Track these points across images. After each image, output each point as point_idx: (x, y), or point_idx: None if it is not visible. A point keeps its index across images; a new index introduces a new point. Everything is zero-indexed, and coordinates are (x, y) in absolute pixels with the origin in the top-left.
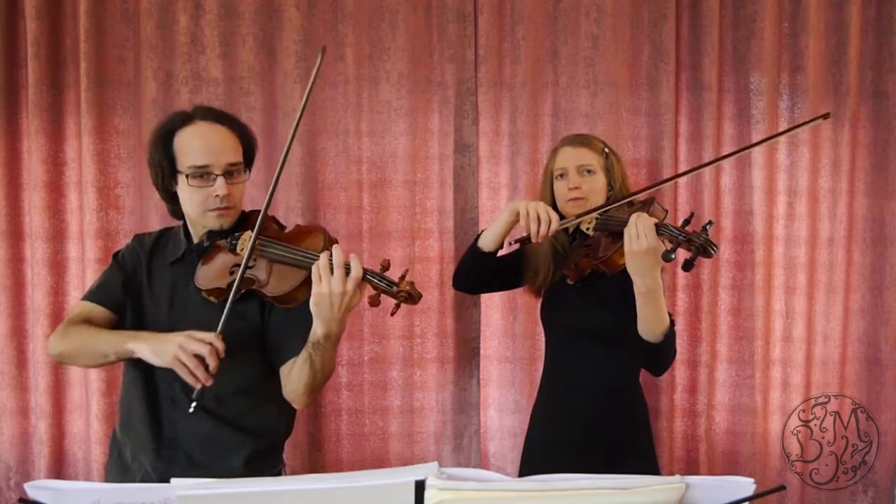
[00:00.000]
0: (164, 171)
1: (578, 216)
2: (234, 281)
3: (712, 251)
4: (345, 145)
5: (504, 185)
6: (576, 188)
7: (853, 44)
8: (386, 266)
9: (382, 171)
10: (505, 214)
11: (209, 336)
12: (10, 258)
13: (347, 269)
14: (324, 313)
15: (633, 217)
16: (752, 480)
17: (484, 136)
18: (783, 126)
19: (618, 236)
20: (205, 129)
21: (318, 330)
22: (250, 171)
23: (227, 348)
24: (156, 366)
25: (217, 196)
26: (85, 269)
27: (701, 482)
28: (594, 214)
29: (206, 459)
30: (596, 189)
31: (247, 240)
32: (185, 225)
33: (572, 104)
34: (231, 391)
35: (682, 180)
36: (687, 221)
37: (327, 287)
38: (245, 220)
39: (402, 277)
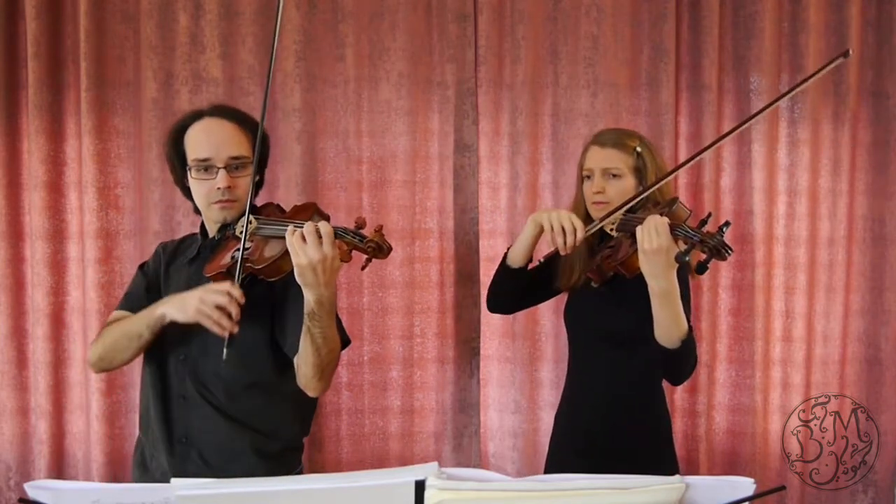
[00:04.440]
0: (177, 167)
1: (602, 219)
2: (233, 264)
3: (727, 253)
4: (345, 145)
5: (504, 185)
6: (599, 192)
7: (853, 44)
8: (361, 224)
9: (382, 171)
10: (528, 227)
11: (226, 285)
12: (10, 258)
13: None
14: (309, 281)
15: (649, 217)
16: (752, 480)
17: (484, 136)
18: (783, 126)
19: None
20: (211, 124)
21: (309, 299)
22: (264, 170)
23: (239, 340)
24: (169, 361)
25: (218, 188)
26: (85, 269)
27: (701, 482)
28: (618, 215)
29: (218, 461)
30: (622, 193)
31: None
32: (202, 224)
33: (572, 104)
34: (242, 386)
35: (682, 180)
36: (704, 222)
37: (304, 257)
38: (254, 213)
39: (376, 231)
